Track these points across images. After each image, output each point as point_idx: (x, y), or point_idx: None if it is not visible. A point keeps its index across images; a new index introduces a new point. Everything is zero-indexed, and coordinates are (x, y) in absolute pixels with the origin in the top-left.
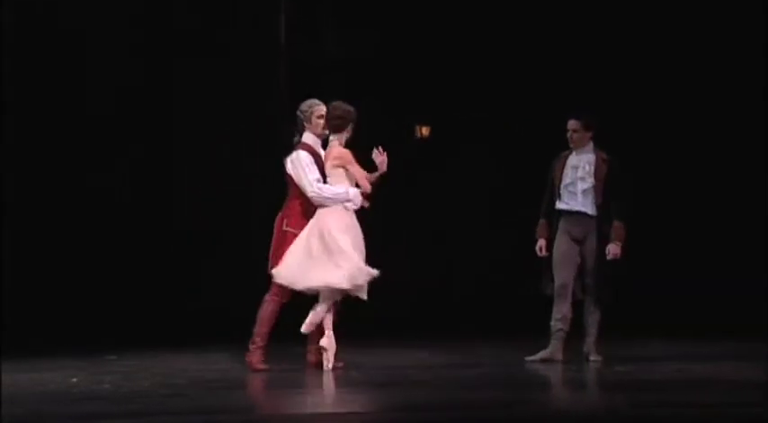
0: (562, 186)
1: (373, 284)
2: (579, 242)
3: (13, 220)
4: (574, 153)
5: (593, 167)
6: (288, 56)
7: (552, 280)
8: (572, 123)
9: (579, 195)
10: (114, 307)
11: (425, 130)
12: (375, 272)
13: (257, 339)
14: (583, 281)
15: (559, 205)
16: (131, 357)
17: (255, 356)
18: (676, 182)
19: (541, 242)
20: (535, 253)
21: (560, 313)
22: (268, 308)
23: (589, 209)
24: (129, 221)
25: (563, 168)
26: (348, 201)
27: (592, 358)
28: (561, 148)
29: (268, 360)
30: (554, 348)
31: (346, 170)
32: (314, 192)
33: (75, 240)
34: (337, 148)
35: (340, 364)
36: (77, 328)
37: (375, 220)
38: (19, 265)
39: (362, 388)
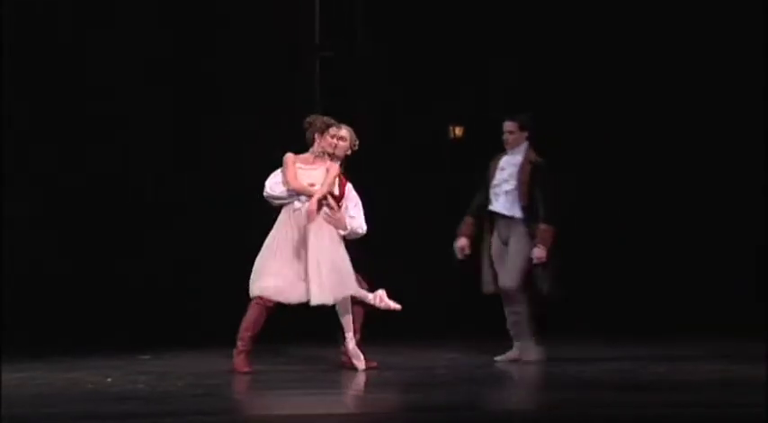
0: (491, 187)
1: (405, 285)
2: (506, 244)
3: (38, 229)
4: (507, 154)
5: (516, 169)
6: (321, 54)
7: (495, 278)
8: (508, 125)
9: (501, 196)
10: (146, 306)
11: (459, 131)
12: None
13: (239, 343)
14: None
15: (490, 206)
16: (165, 357)
17: (239, 360)
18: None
19: (461, 241)
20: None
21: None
22: (253, 312)
23: (509, 211)
24: (149, 221)
25: (495, 170)
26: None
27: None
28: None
29: (296, 362)
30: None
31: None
32: (264, 191)
33: (101, 241)
34: None
35: (374, 364)
36: (109, 328)
37: (410, 220)
38: (45, 264)
39: (391, 388)
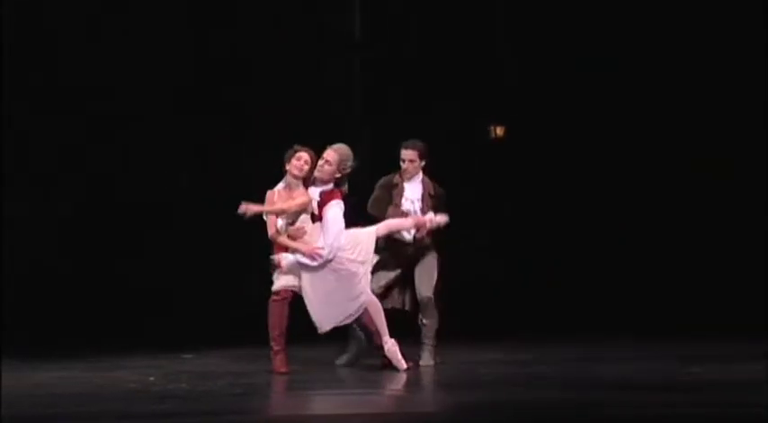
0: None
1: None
2: (410, 261)
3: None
4: (406, 183)
5: (421, 204)
6: (362, 55)
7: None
8: (409, 153)
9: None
10: (191, 305)
11: (500, 131)
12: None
13: (273, 344)
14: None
15: (399, 236)
16: (208, 356)
17: (277, 360)
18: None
19: None
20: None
21: None
22: (274, 310)
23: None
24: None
25: (401, 198)
26: None
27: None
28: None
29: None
30: None
31: None
32: None
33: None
34: None
35: (410, 364)
36: (153, 327)
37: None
38: (87, 264)
39: (432, 388)
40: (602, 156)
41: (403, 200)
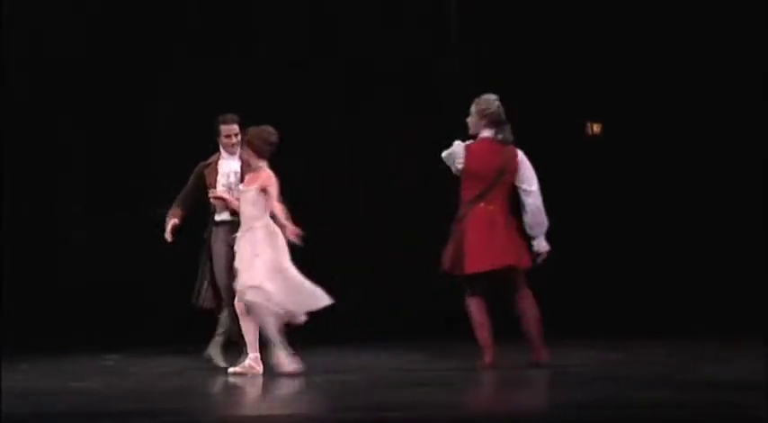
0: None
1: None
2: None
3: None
4: (225, 159)
5: (238, 175)
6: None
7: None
8: (235, 128)
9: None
10: None
11: (597, 127)
12: None
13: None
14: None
15: (221, 216)
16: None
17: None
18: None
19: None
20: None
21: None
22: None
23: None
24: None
25: (216, 175)
26: None
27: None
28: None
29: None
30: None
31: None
32: None
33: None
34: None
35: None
36: None
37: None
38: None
39: (529, 386)
40: (698, 153)
41: (220, 177)
